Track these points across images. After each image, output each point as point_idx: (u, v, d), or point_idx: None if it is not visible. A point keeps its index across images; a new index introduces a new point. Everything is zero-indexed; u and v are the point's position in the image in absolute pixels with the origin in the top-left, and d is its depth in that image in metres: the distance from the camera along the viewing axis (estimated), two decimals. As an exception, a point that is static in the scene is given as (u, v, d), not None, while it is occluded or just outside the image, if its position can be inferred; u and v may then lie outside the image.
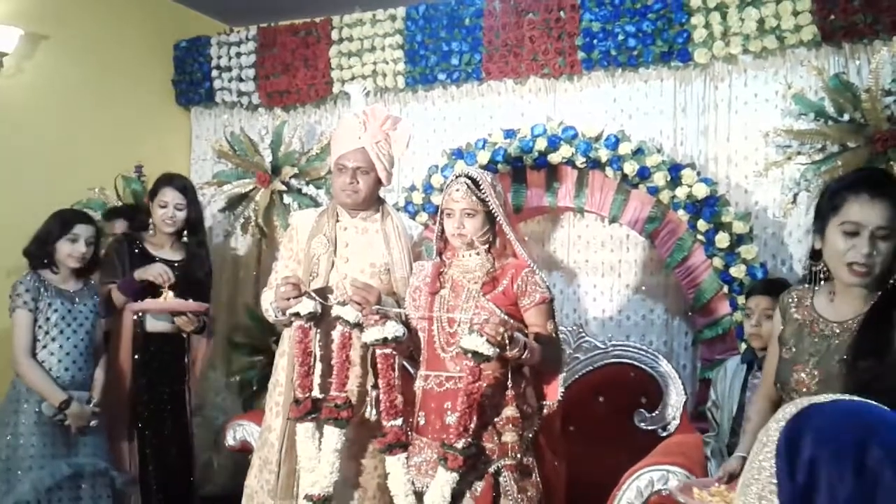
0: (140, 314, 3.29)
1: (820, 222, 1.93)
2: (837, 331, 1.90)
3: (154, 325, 3.32)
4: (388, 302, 2.47)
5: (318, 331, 2.52)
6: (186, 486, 3.38)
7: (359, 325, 2.37)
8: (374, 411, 2.45)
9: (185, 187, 3.39)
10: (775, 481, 1.53)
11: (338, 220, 2.70)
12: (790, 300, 2.03)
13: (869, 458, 1.46)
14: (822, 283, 1.96)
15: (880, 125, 2.99)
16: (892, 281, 1.84)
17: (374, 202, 2.73)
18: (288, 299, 2.45)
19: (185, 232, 3.43)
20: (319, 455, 2.41)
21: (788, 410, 1.62)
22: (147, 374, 3.30)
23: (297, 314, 2.43)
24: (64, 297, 3.07)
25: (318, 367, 2.51)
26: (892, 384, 1.73)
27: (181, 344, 3.41)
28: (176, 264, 3.36)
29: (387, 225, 2.69)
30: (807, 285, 2.00)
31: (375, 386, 2.44)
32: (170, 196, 3.35)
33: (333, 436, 2.39)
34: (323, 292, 2.54)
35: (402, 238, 2.68)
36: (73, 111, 4.23)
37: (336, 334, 2.42)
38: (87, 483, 3.04)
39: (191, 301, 3.28)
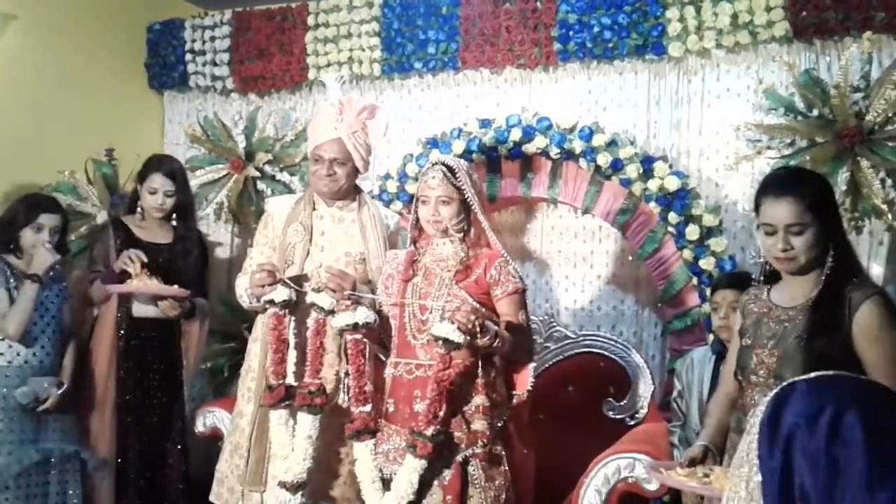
0: (127, 299, 3.21)
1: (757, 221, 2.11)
2: (792, 314, 2.05)
3: (141, 310, 3.23)
4: (363, 290, 2.48)
5: (293, 318, 2.51)
6: (179, 477, 3.29)
7: (333, 312, 2.37)
8: (346, 398, 2.46)
9: (174, 172, 3.30)
10: (758, 456, 1.61)
11: (314, 209, 2.70)
12: (748, 298, 2.18)
13: (843, 426, 1.57)
14: (770, 276, 2.13)
15: (848, 121, 3.03)
16: (829, 263, 2.00)
17: (351, 191, 2.72)
18: (263, 286, 2.44)
19: (174, 216, 3.36)
20: (293, 442, 2.41)
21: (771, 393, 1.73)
22: (135, 360, 3.21)
23: (271, 301, 2.43)
24: (29, 282, 3.03)
25: (293, 354, 2.51)
26: (841, 359, 1.89)
27: (171, 330, 3.31)
28: (164, 248, 3.29)
29: (363, 214, 2.69)
30: (760, 282, 2.18)
31: (349, 373, 2.45)
32: (159, 182, 3.27)
33: (307, 422, 2.40)
34: (298, 280, 2.54)
35: (378, 227, 2.68)
36: (44, 93, 4.15)
37: (310, 321, 2.42)
38: (56, 468, 3.02)
39: (174, 287, 3.18)
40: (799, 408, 1.65)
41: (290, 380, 2.48)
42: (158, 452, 3.27)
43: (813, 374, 1.72)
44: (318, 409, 2.40)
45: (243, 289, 2.64)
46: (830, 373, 1.73)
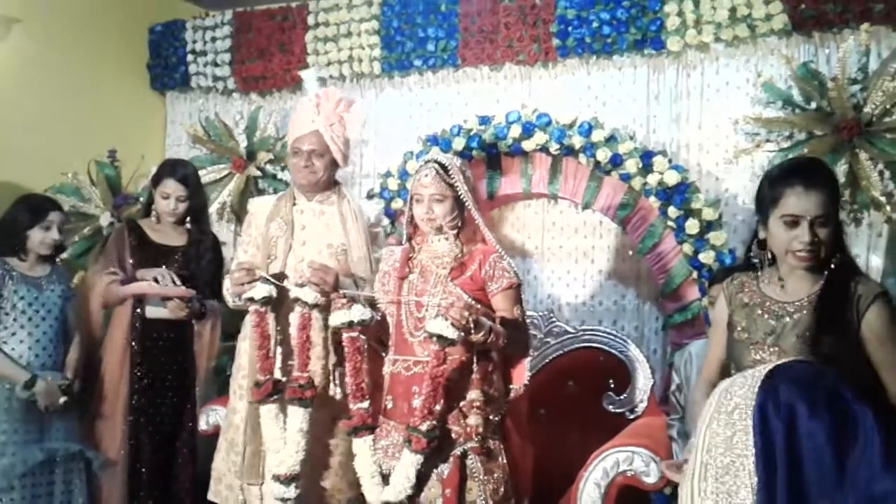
0: (141, 300, 3.24)
1: (762, 213, 2.03)
2: (791, 310, 1.99)
3: (155, 311, 3.26)
4: (345, 283, 2.53)
5: (279, 314, 2.57)
6: (187, 478, 3.32)
7: (317, 306, 2.43)
8: (338, 389, 2.50)
9: (186, 177, 3.34)
10: (751, 435, 1.68)
11: (295, 204, 2.76)
12: (734, 287, 2.12)
13: (839, 399, 1.66)
14: (765, 269, 2.06)
15: (846, 113, 3.05)
16: (835, 259, 1.95)
17: (330, 184, 2.78)
18: (242, 284, 2.50)
19: (188, 219, 3.40)
20: (285, 435, 2.46)
21: (751, 376, 1.77)
22: (147, 361, 3.25)
23: (251, 299, 2.48)
24: (30, 283, 3.08)
25: (281, 349, 2.57)
26: (851, 360, 1.88)
27: (185, 332, 3.35)
28: (178, 250, 3.34)
29: (343, 207, 2.75)
30: (750, 272, 2.10)
31: (338, 364, 2.49)
32: (171, 188, 3.30)
33: (298, 415, 2.45)
34: (279, 276, 2.59)
35: (358, 220, 2.74)
36: (47, 95, 4.21)
37: (293, 316, 2.46)
38: (60, 468, 3.07)
39: (181, 287, 3.23)
40: (794, 384, 1.71)
41: (279, 375, 2.54)
42: (169, 454, 3.31)
43: (789, 360, 1.79)
44: (308, 402, 2.45)
45: (226, 288, 2.69)
46: (806, 360, 1.80)
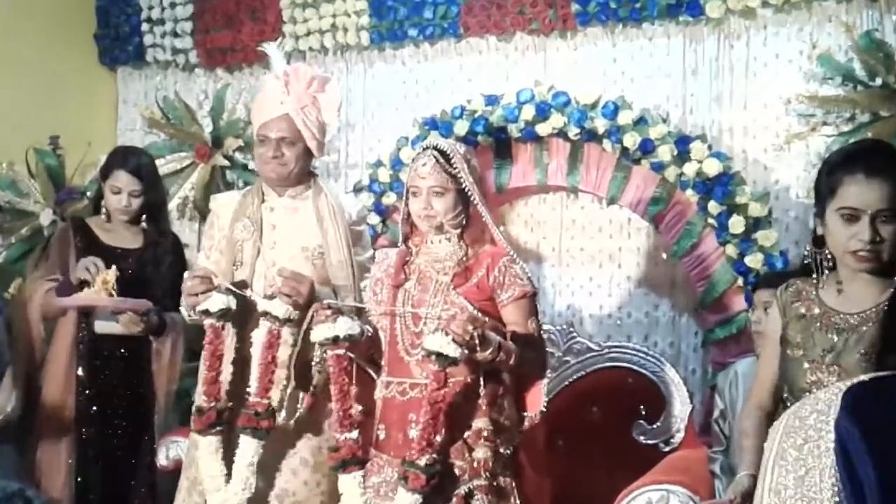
0: (88, 314, 3.23)
1: (819, 205, 2.01)
2: (855, 323, 1.98)
3: (105, 325, 3.24)
4: (323, 292, 2.53)
5: (245, 329, 2.58)
6: None
7: (289, 321, 2.42)
8: (286, 416, 2.51)
9: (140, 169, 3.33)
10: (836, 476, 1.64)
11: (263, 200, 2.75)
12: (789, 295, 2.10)
13: None
14: (826, 273, 2.03)
15: (917, 91, 3.07)
16: None
17: (304, 177, 2.77)
18: (197, 294, 2.49)
19: (144, 217, 3.39)
20: (233, 471, 2.46)
21: (825, 399, 1.73)
22: (97, 385, 3.25)
23: (206, 311, 2.47)
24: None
25: (233, 370, 2.57)
26: None
27: (141, 349, 3.34)
28: (132, 254, 3.33)
29: (319, 203, 2.73)
30: (812, 277, 2.07)
31: (301, 387, 2.50)
32: (123, 181, 3.30)
33: (250, 448, 2.45)
34: (241, 285, 2.59)
35: (337, 217, 2.72)
36: (-24, 72, 4.23)
37: (261, 333, 2.48)
38: (-4, 510, 3.07)
39: (131, 299, 3.18)
40: (880, 419, 1.67)
41: (223, 402, 2.55)
42: (123, 492, 3.30)
43: (865, 379, 1.75)
44: (263, 434, 2.45)
45: (182, 300, 2.69)
46: (880, 374, 1.76)
